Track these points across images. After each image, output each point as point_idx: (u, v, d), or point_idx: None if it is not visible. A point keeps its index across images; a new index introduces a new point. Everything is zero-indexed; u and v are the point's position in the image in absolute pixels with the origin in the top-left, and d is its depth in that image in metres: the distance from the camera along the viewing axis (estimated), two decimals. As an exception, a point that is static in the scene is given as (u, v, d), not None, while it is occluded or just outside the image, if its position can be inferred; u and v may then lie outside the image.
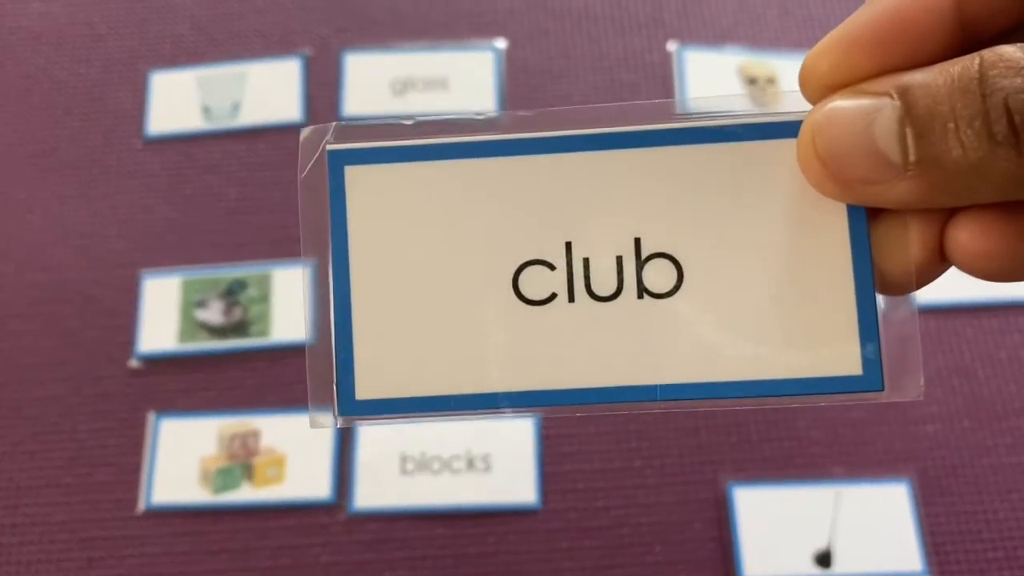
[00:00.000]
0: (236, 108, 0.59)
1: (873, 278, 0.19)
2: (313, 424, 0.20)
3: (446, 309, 0.20)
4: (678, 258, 0.20)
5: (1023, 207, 0.18)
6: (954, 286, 0.55)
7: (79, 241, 0.56)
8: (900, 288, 0.20)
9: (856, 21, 0.18)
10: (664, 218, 0.20)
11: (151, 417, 0.52)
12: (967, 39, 0.18)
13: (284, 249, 0.56)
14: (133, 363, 0.53)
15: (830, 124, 0.18)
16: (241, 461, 0.51)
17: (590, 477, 0.51)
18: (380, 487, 0.50)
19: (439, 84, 0.59)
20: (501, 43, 0.61)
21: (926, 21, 0.18)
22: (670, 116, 0.20)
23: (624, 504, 0.50)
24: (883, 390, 0.20)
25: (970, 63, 0.16)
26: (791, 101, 0.20)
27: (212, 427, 0.52)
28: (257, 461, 0.51)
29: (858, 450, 0.51)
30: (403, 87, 0.59)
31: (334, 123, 0.21)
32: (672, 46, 0.61)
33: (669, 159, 0.20)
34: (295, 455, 0.51)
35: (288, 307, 0.54)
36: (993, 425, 0.52)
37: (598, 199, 0.20)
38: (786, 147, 0.20)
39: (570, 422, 0.52)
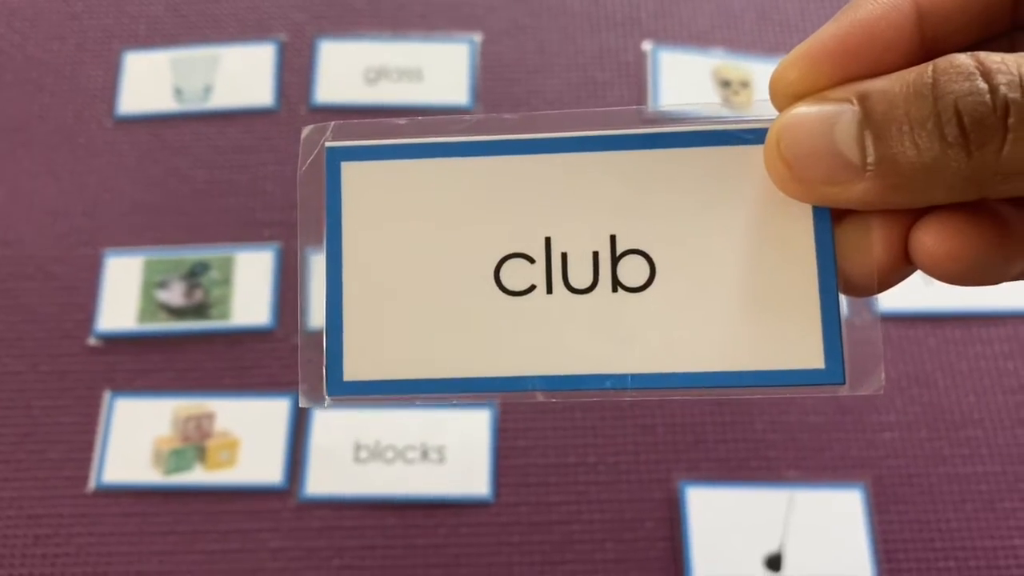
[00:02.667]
0: (208, 91, 0.59)
1: (836, 278, 0.20)
2: (303, 403, 0.21)
3: (431, 298, 0.21)
4: (651, 255, 0.21)
5: (985, 211, 0.18)
6: (917, 295, 0.55)
7: (44, 218, 0.56)
8: (863, 289, 0.20)
9: (823, 35, 0.19)
10: (639, 217, 0.21)
11: (106, 396, 0.52)
12: (928, 54, 0.19)
13: (249, 233, 0.56)
14: (92, 341, 0.53)
15: (794, 128, 0.19)
16: (194, 443, 0.51)
17: (544, 472, 0.50)
18: (332, 474, 0.50)
19: (413, 75, 0.59)
20: (477, 36, 0.61)
21: (889, 36, 0.19)
22: (646, 121, 0.21)
23: (576, 500, 0.50)
24: (844, 383, 0.20)
25: (924, 70, 0.17)
26: (761, 109, 0.21)
27: (167, 408, 0.51)
28: (210, 444, 0.51)
29: (814, 455, 0.51)
30: (376, 76, 0.59)
31: (333, 122, 0.22)
32: (647, 46, 0.61)
33: (644, 161, 0.21)
34: (249, 439, 0.51)
35: (249, 291, 0.54)
36: (951, 435, 0.52)
37: (577, 198, 0.21)
38: (755, 152, 0.21)
39: (526, 416, 0.52)
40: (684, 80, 0.59)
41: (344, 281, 0.21)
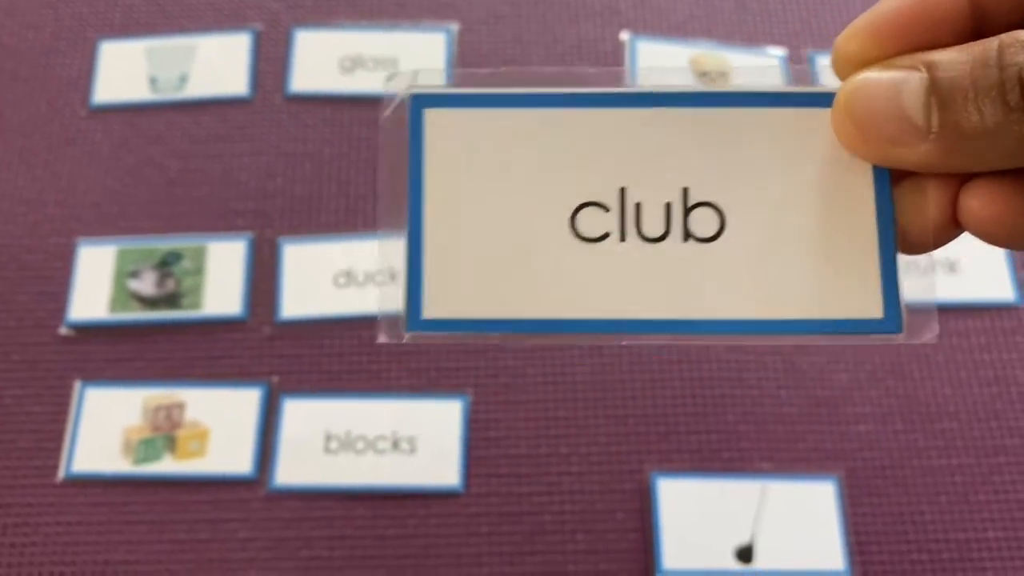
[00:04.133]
0: (183, 80, 0.59)
1: (895, 235, 0.22)
2: (382, 338, 0.22)
3: (508, 241, 0.22)
4: (721, 207, 0.22)
5: None
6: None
7: (16, 207, 0.56)
8: (918, 247, 0.22)
9: (883, 8, 0.21)
10: (710, 171, 0.22)
11: (77, 385, 0.51)
12: (980, 29, 0.20)
13: (221, 222, 0.55)
14: (63, 330, 0.53)
15: (863, 90, 0.20)
16: (164, 433, 0.50)
17: (515, 462, 0.50)
18: (302, 465, 0.50)
19: (389, 63, 0.59)
20: (454, 26, 0.60)
21: (944, 11, 0.20)
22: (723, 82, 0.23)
23: (547, 491, 0.50)
24: (901, 332, 0.22)
25: (990, 43, 0.19)
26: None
27: (137, 398, 0.51)
28: (180, 434, 0.50)
29: (787, 446, 0.51)
30: (353, 65, 0.59)
31: (418, 69, 0.23)
32: (625, 36, 0.60)
33: (717, 119, 0.22)
34: (219, 429, 0.50)
35: (222, 280, 0.54)
36: (926, 427, 0.52)
37: (651, 151, 0.22)
38: (820, 115, 0.22)
39: (498, 407, 0.51)
40: (661, 70, 0.59)
41: (424, 222, 0.22)
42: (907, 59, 0.20)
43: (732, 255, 0.22)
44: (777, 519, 0.49)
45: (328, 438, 0.50)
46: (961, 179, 0.21)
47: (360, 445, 0.50)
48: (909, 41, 0.20)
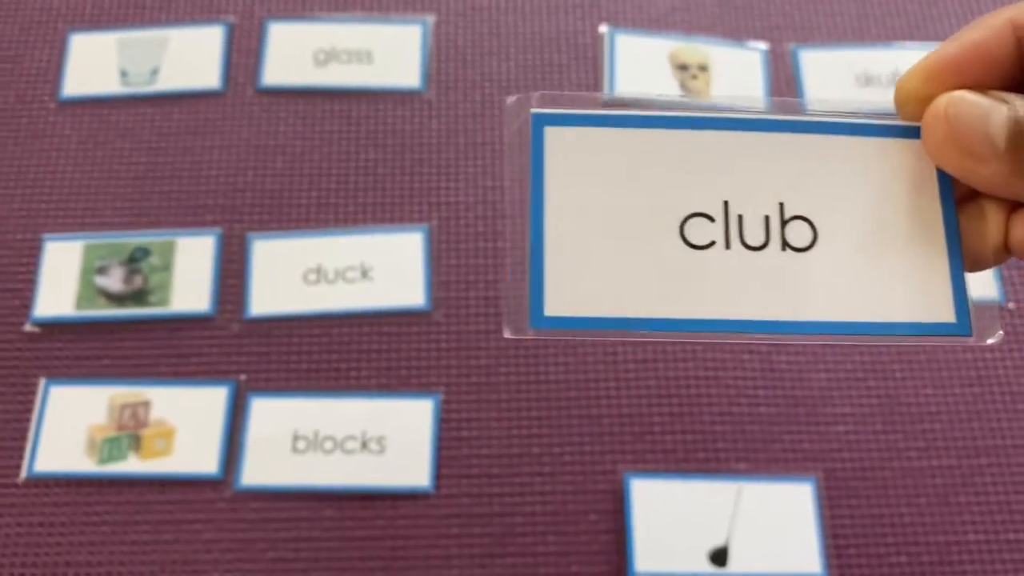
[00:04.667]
0: (155, 73, 0.58)
1: (961, 252, 0.25)
2: (507, 333, 0.24)
3: (623, 247, 0.24)
4: (813, 221, 0.25)
5: None
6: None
7: (-18, 201, 0.55)
8: (980, 264, 0.25)
9: (939, 53, 0.24)
10: (801, 188, 0.25)
11: (42, 383, 0.50)
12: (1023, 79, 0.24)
13: (191, 218, 0.54)
14: (28, 327, 0.52)
15: (960, 103, 0.23)
16: (130, 432, 0.49)
17: (487, 463, 0.49)
18: (269, 465, 0.49)
19: (363, 56, 0.58)
20: (430, 18, 0.59)
21: (996, 56, 0.24)
22: (804, 110, 0.26)
23: (519, 492, 0.49)
24: (971, 336, 0.24)
25: None
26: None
27: (103, 396, 0.50)
28: (146, 433, 0.49)
29: (764, 447, 0.50)
30: (326, 58, 0.58)
31: (538, 92, 0.25)
32: (604, 28, 0.59)
33: (810, 143, 0.25)
34: (185, 428, 0.49)
35: (190, 277, 0.53)
36: (906, 428, 0.51)
37: (751, 169, 0.25)
38: (900, 145, 0.25)
39: (470, 406, 0.50)
40: (641, 63, 0.58)
41: (546, 228, 0.24)
42: (998, 94, 0.23)
43: (824, 264, 0.24)
44: (753, 521, 0.48)
45: (296, 438, 0.49)
46: (1013, 208, 0.24)
47: (328, 445, 0.49)
48: (963, 82, 0.24)
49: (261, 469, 0.49)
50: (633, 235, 0.24)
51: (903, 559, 0.48)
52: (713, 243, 0.24)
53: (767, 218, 0.25)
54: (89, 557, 0.47)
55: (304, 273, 0.53)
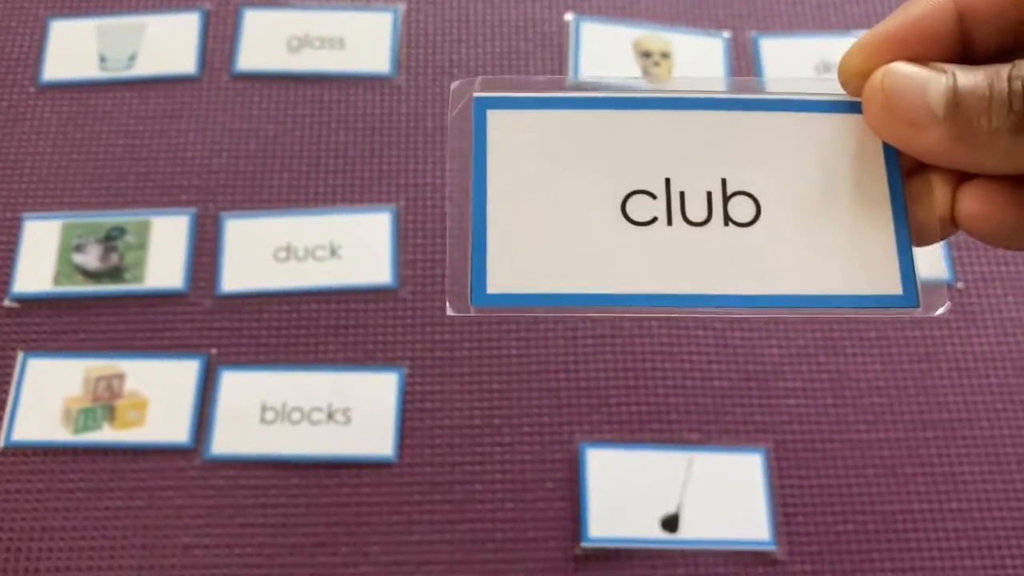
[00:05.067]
0: (132, 59, 0.60)
1: (908, 224, 0.25)
2: (450, 311, 0.24)
3: (565, 227, 0.24)
4: (756, 197, 0.25)
5: (1020, 184, 0.23)
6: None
7: (-36, 181, 0.57)
8: (927, 237, 0.25)
9: (879, 29, 0.25)
10: (745, 165, 0.25)
11: (19, 356, 0.52)
12: (965, 50, 0.24)
13: (166, 198, 0.56)
14: (7, 303, 0.54)
15: (897, 74, 0.24)
16: (104, 403, 0.51)
17: (449, 433, 0.51)
18: (239, 435, 0.50)
19: (336, 43, 0.60)
20: (401, 5, 0.61)
21: (935, 31, 0.24)
22: (753, 88, 0.26)
23: (480, 461, 0.50)
24: (919, 307, 0.24)
25: (1003, 65, 0.23)
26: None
27: (79, 368, 0.52)
28: (120, 403, 0.51)
29: (716, 419, 0.52)
30: (299, 44, 0.60)
31: (479, 76, 0.26)
32: (569, 16, 0.61)
33: (751, 121, 0.25)
34: (158, 399, 0.51)
35: (165, 255, 0.54)
36: (855, 402, 0.53)
37: (692, 147, 0.25)
38: (842, 119, 0.26)
39: (434, 379, 0.52)
40: (605, 51, 0.60)
41: (488, 208, 0.24)
42: (937, 64, 0.24)
43: (768, 238, 0.25)
44: (704, 490, 0.50)
45: (264, 409, 0.51)
46: (962, 178, 0.24)
47: (296, 416, 0.51)
48: (903, 56, 0.24)
49: (230, 439, 0.50)
50: (574, 213, 0.25)
51: (850, 527, 0.50)
52: (655, 219, 0.25)
53: (709, 194, 0.25)
54: (64, 523, 0.49)
55: (275, 251, 0.54)
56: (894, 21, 0.25)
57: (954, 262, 0.56)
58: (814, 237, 0.25)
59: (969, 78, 0.23)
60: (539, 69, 0.60)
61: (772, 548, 0.49)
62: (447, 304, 0.24)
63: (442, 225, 0.56)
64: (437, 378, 0.52)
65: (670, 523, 0.49)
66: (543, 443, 0.51)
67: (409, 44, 0.60)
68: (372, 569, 0.48)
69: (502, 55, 0.60)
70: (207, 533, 0.49)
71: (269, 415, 0.51)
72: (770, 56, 0.61)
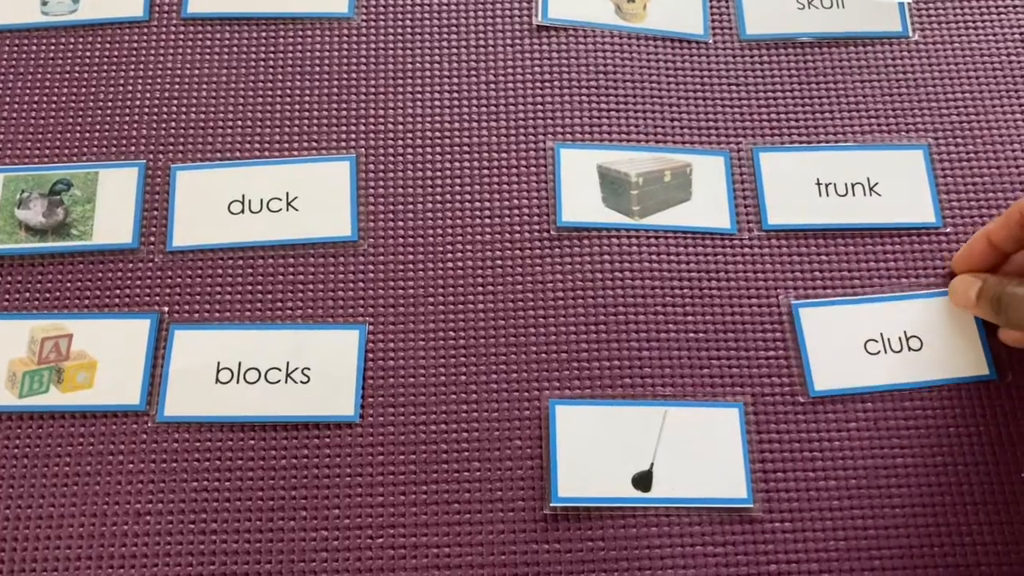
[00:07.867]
0: (76, 1, 0.56)
1: (988, 342, 0.50)
2: None
3: None
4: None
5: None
6: (812, 211, 0.53)
7: (-100, 134, 0.54)
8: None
9: (962, 253, 0.50)
10: None
11: (-38, 318, 0.50)
12: (1000, 262, 0.50)
13: (113, 150, 0.53)
14: (-52, 262, 0.51)
15: (958, 282, 0.50)
16: (51, 365, 0.49)
17: (413, 391, 0.49)
18: (192, 396, 0.48)
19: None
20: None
21: (982, 253, 0.49)
22: None
23: (445, 420, 0.48)
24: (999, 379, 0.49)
25: (1001, 279, 0.48)
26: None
27: (24, 329, 0.50)
28: (68, 365, 0.49)
29: (691, 373, 0.49)
30: (252, -15, 0.56)
31: None
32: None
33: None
34: (107, 360, 0.49)
35: (113, 209, 0.52)
36: (837, 353, 0.50)
37: None
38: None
39: (397, 335, 0.50)
40: (576, -11, 0.57)
41: None
42: (981, 274, 0.48)
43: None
44: (678, 446, 0.48)
45: (219, 369, 0.49)
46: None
47: (252, 376, 0.49)
48: (965, 269, 0.50)
49: (184, 400, 0.48)
50: None
51: (831, 483, 0.48)
52: None
53: None
54: (10, 491, 0.47)
55: (228, 204, 0.52)
56: (962, 250, 0.50)
57: (940, 205, 0.54)
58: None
59: (988, 283, 0.47)
60: (507, 9, 0.57)
61: (749, 505, 0.47)
62: None
63: (404, 173, 0.53)
64: (400, 335, 0.50)
65: (642, 481, 0.47)
66: (511, 400, 0.49)
67: (369, -17, 0.57)
68: (333, 533, 0.46)
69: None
70: (160, 499, 0.47)
71: (224, 375, 0.49)
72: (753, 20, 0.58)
